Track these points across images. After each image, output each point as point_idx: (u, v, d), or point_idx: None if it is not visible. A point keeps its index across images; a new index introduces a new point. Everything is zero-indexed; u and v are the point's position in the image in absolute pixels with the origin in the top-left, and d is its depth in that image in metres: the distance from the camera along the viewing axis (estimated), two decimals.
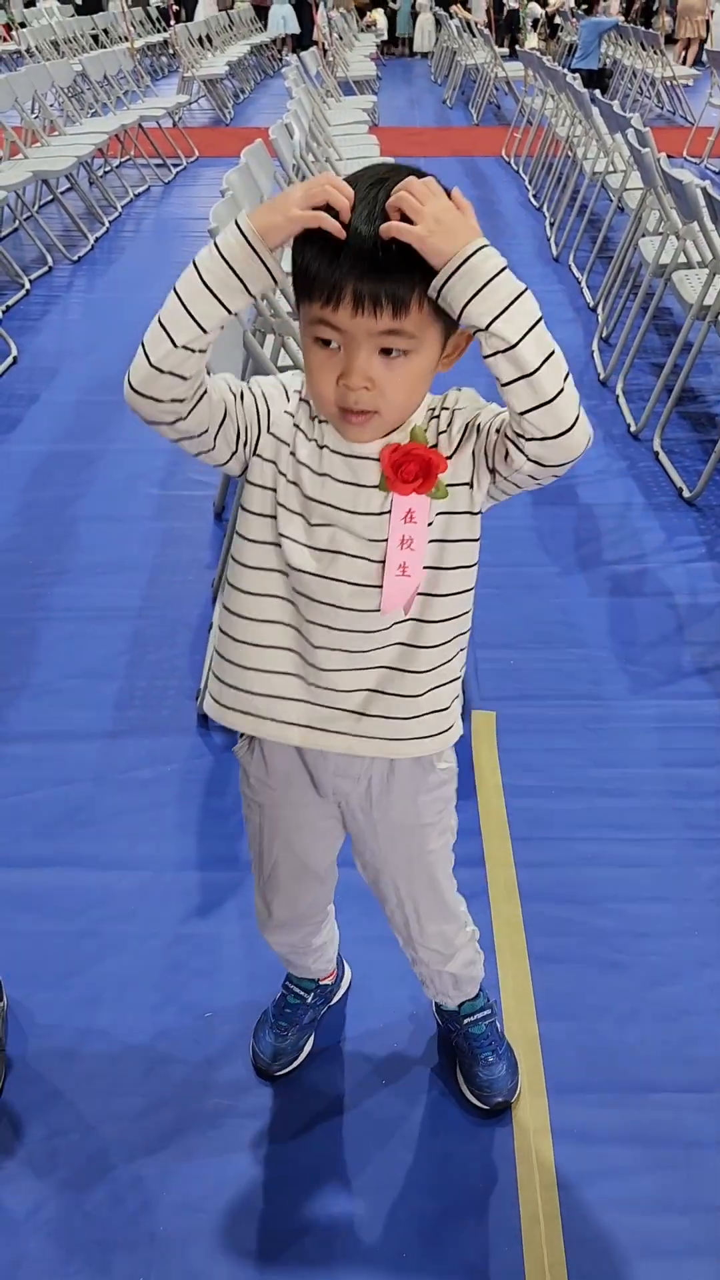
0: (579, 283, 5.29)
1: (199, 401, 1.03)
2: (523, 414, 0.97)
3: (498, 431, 1.04)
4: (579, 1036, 1.64)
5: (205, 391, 1.04)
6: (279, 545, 1.11)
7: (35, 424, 3.81)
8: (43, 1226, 1.40)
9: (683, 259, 3.67)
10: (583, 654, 2.54)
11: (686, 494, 3.24)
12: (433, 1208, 1.42)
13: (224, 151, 8.56)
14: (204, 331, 0.99)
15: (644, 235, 4.20)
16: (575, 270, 5.47)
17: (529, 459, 1.00)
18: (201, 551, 2.94)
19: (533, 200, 7.10)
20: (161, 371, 1.00)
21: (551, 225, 6.24)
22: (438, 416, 1.08)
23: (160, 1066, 1.59)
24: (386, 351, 0.98)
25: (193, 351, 0.99)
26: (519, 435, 0.99)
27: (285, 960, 1.54)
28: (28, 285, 5.24)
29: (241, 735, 1.27)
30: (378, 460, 1.06)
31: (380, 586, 1.09)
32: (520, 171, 8.00)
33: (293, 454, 1.09)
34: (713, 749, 2.24)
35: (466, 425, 1.07)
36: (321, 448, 1.08)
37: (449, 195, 0.97)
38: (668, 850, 1.99)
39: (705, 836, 2.01)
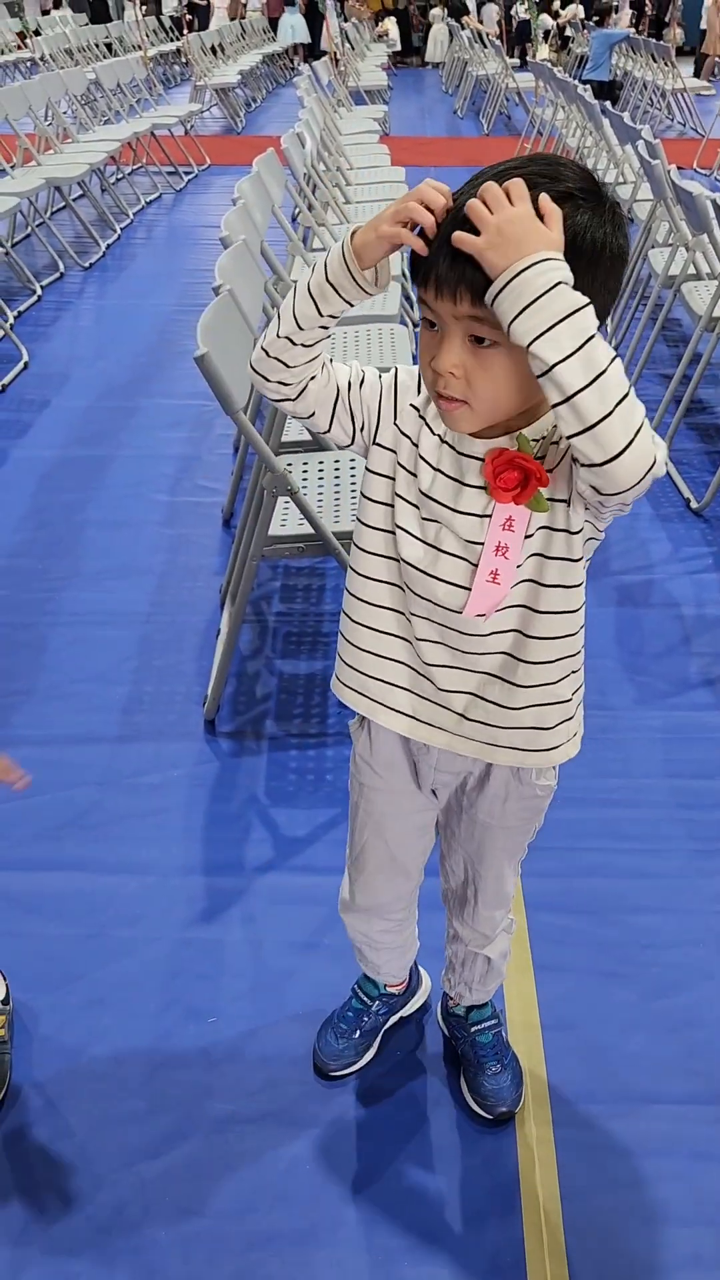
0: None
1: (304, 388, 1.09)
2: (568, 437, 0.92)
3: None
4: (583, 1046, 1.64)
5: (313, 379, 1.09)
6: (394, 534, 1.13)
7: (45, 429, 3.83)
8: (45, 1230, 1.40)
9: (692, 270, 3.68)
10: (589, 663, 2.52)
11: (694, 505, 3.25)
12: (436, 1217, 1.42)
13: (235, 160, 8.61)
14: (300, 328, 1.04)
15: (653, 246, 4.21)
16: None
17: (585, 484, 0.97)
18: (210, 558, 2.95)
19: None
20: (268, 355, 1.07)
21: None
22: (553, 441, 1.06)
23: (164, 1070, 1.59)
24: (479, 341, 0.97)
25: (293, 344, 1.05)
26: (574, 460, 0.97)
27: (358, 952, 1.55)
28: (39, 291, 5.27)
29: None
30: (482, 459, 1.06)
31: (468, 588, 1.09)
32: None
33: (415, 445, 1.10)
34: (718, 761, 2.24)
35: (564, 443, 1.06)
36: (442, 443, 1.09)
37: (535, 201, 0.92)
38: (672, 861, 1.99)
39: (710, 848, 2.01)
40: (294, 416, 1.15)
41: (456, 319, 0.97)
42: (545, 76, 7.95)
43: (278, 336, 1.06)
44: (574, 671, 1.17)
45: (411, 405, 1.11)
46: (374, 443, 1.13)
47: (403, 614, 1.16)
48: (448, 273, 0.95)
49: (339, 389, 1.11)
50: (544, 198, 0.92)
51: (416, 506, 1.11)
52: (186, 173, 8.21)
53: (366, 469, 1.15)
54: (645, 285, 4.38)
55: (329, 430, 1.14)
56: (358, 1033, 1.60)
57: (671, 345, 4.53)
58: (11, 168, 5.88)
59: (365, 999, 1.60)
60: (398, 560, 1.13)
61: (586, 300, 0.90)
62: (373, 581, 1.16)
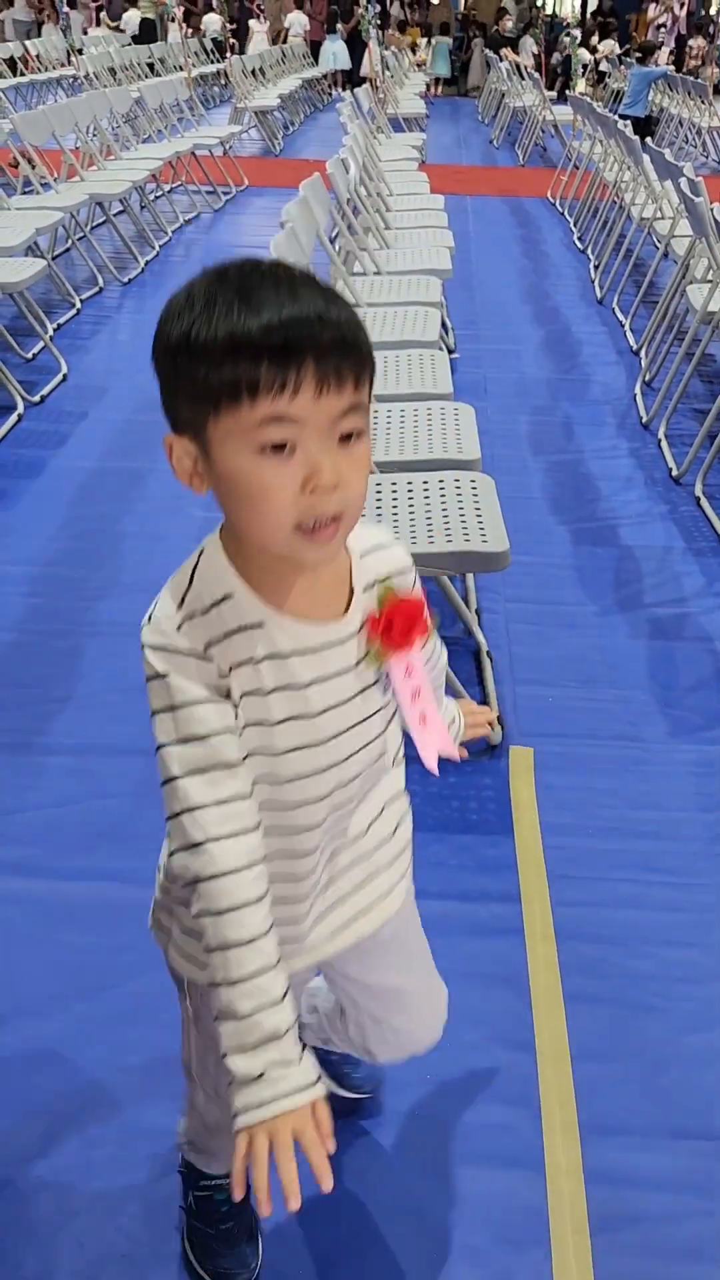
0: (622, 326, 5.34)
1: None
2: None
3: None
4: (613, 1078, 1.64)
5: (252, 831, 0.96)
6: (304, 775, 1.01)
7: (83, 440, 3.87)
8: (74, 1237, 1.40)
9: None
10: (621, 695, 2.55)
11: None
12: (464, 1245, 1.42)
13: (273, 181, 8.71)
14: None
15: (692, 282, 4.23)
16: (619, 313, 5.52)
17: None
18: None
19: (577, 243, 7.17)
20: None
21: (596, 268, 6.30)
22: (401, 574, 1.02)
23: None
24: (344, 438, 0.87)
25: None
26: None
27: (204, 1155, 1.37)
28: (78, 304, 5.33)
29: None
30: (344, 640, 0.97)
31: (377, 738, 1.04)
32: (565, 214, 8.08)
33: (268, 691, 0.95)
34: None
35: None
36: (278, 657, 0.94)
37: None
38: (705, 896, 1.99)
39: None
40: None
41: (331, 419, 0.85)
42: (584, 110, 8.02)
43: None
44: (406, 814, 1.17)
45: (225, 671, 0.93)
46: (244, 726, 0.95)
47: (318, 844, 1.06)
48: (328, 365, 0.83)
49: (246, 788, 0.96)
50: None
51: (297, 747, 0.98)
52: (225, 193, 8.30)
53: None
54: (681, 320, 4.40)
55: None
56: (243, 1217, 1.37)
57: (707, 381, 4.55)
58: (56, 182, 5.97)
59: (220, 1180, 1.35)
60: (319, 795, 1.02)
61: None
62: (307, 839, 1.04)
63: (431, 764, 1.05)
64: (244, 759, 0.96)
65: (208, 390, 0.85)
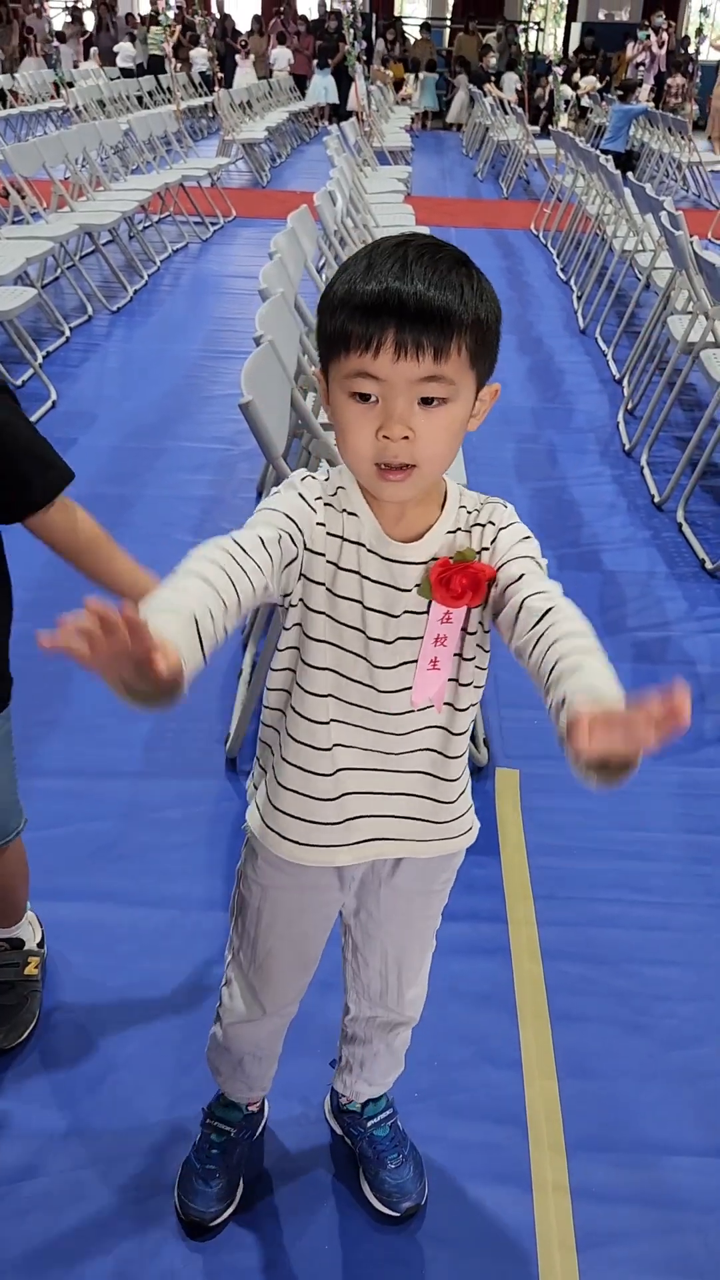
0: (605, 355, 5.42)
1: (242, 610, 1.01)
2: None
3: (518, 614, 1.03)
4: (600, 1096, 1.66)
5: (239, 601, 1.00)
6: (333, 657, 1.12)
7: (72, 467, 3.88)
8: (64, 1259, 1.40)
9: (711, 338, 3.77)
10: None
11: (709, 565, 3.30)
12: (452, 1261, 1.43)
13: (260, 212, 8.81)
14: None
15: (672, 313, 4.31)
16: (601, 343, 5.60)
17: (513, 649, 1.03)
18: None
19: (560, 274, 7.28)
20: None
21: (579, 298, 6.39)
22: (481, 526, 1.09)
23: (184, 1102, 1.60)
24: (426, 402, 1.00)
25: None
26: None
27: (233, 1070, 1.43)
28: (68, 333, 5.38)
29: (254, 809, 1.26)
30: (417, 564, 1.08)
31: (409, 689, 1.11)
32: (548, 245, 8.21)
33: (334, 563, 1.09)
34: None
35: (512, 572, 1.06)
36: (357, 545, 1.08)
37: (471, 272, 1.01)
38: (688, 915, 2.01)
39: None
40: None
41: (411, 382, 0.98)
42: (566, 145, 8.17)
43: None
44: (463, 764, 1.22)
45: (318, 524, 1.08)
46: (301, 577, 1.09)
47: (356, 746, 1.16)
48: (409, 334, 0.97)
49: (277, 583, 1.05)
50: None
51: (347, 625, 1.10)
52: (213, 223, 8.39)
53: (287, 606, 1.11)
54: (663, 350, 4.48)
55: (276, 595, 1.09)
56: (228, 1169, 1.46)
57: (687, 410, 4.62)
58: (46, 212, 6.03)
59: (226, 1127, 1.47)
60: (339, 677, 1.12)
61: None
62: (324, 725, 1.14)
63: (416, 701, 1.13)
64: (289, 602, 1.11)
65: (325, 337, 1.02)
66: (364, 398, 1.00)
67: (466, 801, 1.24)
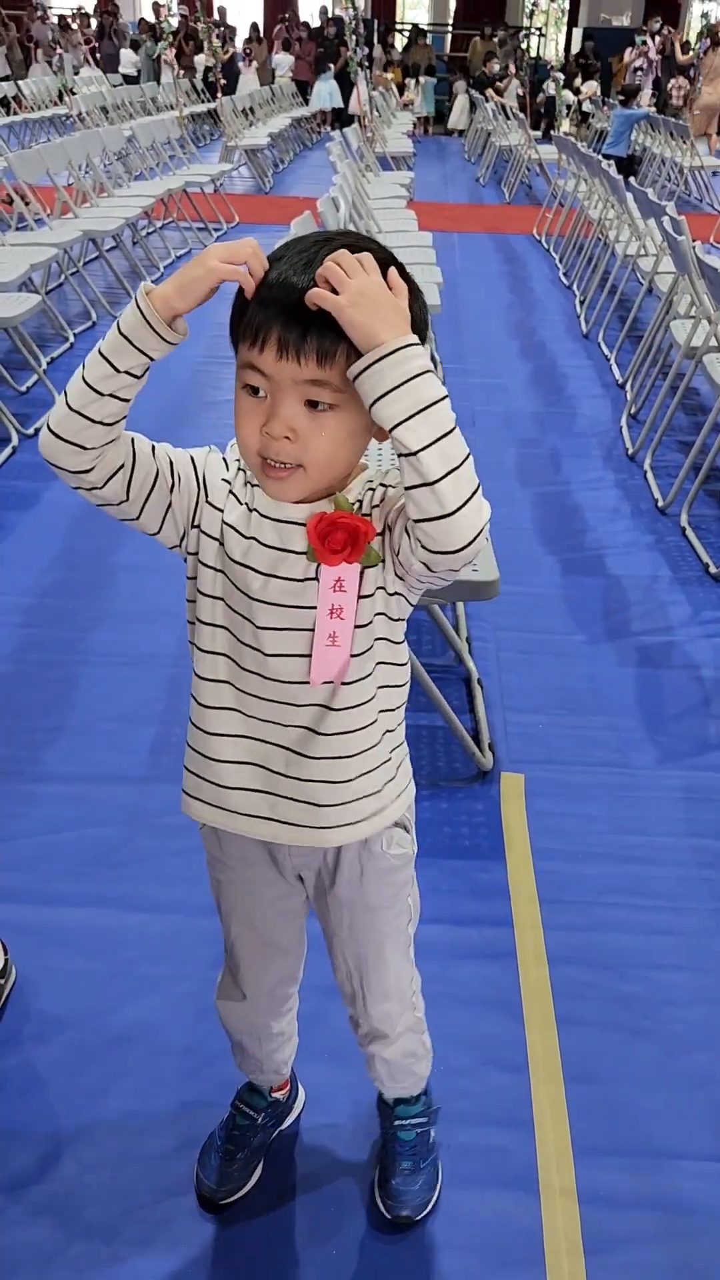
0: (608, 360, 5.42)
1: (111, 474, 1.04)
2: (418, 521, 0.96)
3: (400, 516, 1.03)
4: (605, 1101, 1.65)
5: (120, 465, 1.05)
6: (223, 621, 1.11)
7: None
8: (71, 1264, 1.41)
9: (714, 342, 3.77)
10: (610, 722, 2.58)
11: (713, 570, 3.30)
12: (459, 1267, 1.43)
13: (263, 218, 8.82)
14: (96, 394, 1.01)
15: (675, 318, 4.32)
16: (604, 348, 5.61)
17: (419, 549, 0.99)
18: None
19: (563, 278, 7.29)
20: (59, 436, 1.02)
21: (581, 303, 6.40)
22: (374, 489, 1.08)
23: (189, 1108, 1.61)
24: (313, 405, 0.98)
25: (87, 419, 1.01)
26: (410, 522, 0.99)
27: (239, 1051, 1.46)
28: (72, 339, 5.39)
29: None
30: (303, 525, 1.05)
31: (307, 656, 1.07)
32: (551, 250, 8.21)
33: (224, 520, 1.09)
34: None
35: (395, 505, 1.05)
36: (251, 510, 1.07)
37: (385, 275, 0.97)
38: (693, 920, 2.01)
39: None
40: (101, 504, 1.08)
41: (295, 382, 0.97)
42: (568, 150, 8.18)
43: (70, 410, 1.01)
44: (390, 730, 1.17)
45: (224, 479, 1.09)
46: (193, 525, 1.10)
47: (241, 711, 1.13)
48: (290, 335, 0.96)
49: (157, 469, 1.07)
50: (394, 273, 0.97)
51: (237, 586, 1.08)
52: (216, 229, 8.41)
53: (194, 560, 1.11)
54: (666, 355, 4.48)
55: (139, 518, 1.08)
56: (245, 1151, 1.48)
57: (690, 414, 4.62)
58: (50, 218, 6.05)
59: (250, 1111, 1.50)
60: (232, 643, 1.11)
61: (445, 393, 0.96)
62: (213, 683, 1.13)
63: (315, 679, 1.08)
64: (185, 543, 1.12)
65: (231, 319, 1.02)
66: (253, 390, 1.00)
67: (355, 791, 1.15)
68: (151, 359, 1.02)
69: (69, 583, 3.13)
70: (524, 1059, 1.71)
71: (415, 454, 0.94)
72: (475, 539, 0.97)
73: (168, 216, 8.16)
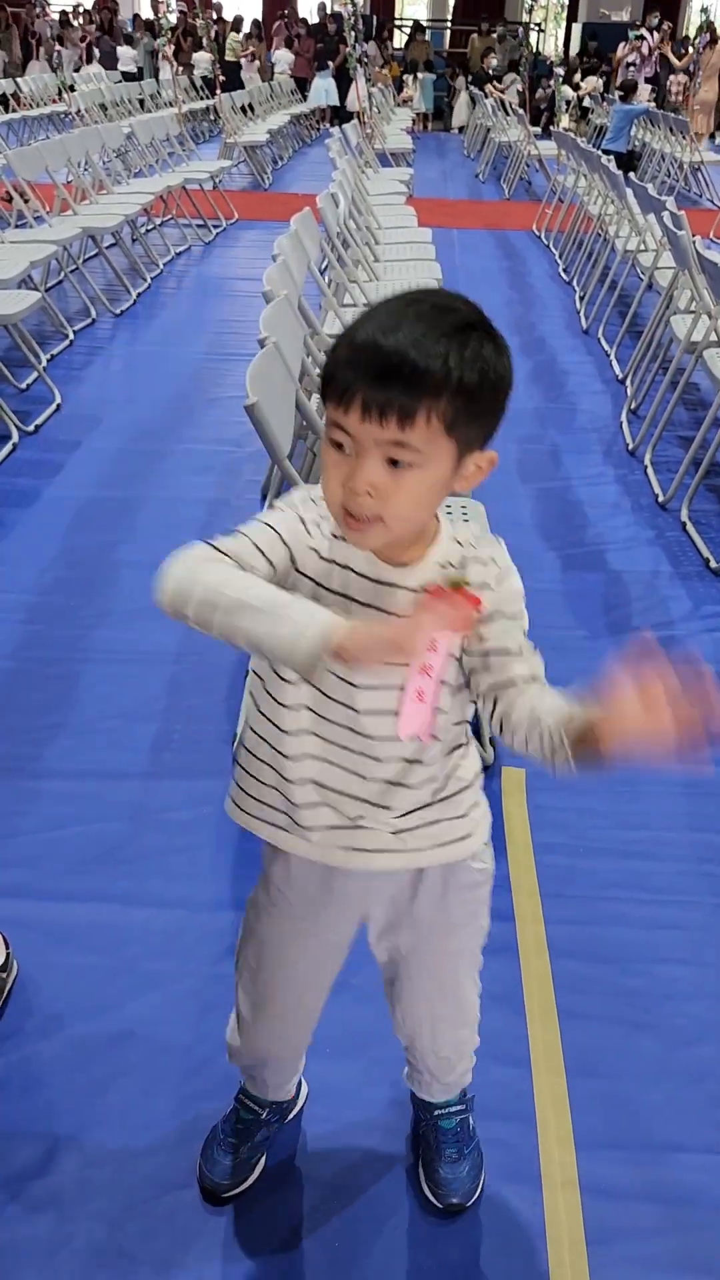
0: (608, 355, 5.42)
1: None
2: (527, 750, 1.06)
3: (499, 687, 1.09)
4: (606, 1094, 1.66)
5: None
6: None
7: (78, 470, 3.91)
8: (76, 1256, 1.41)
9: (714, 338, 3.77)
10: None
11: (713, 565, 3.30)
12: (463, 1259, 1.43)
13: (262, 215, 8.82)
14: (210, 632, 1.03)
15: (675, 313, 4.32)
16: (604, 343, 5.61)
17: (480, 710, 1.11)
18: None
19: (563, 274, 7.28)
20: (195, 623, 1.05)
21: (581, 299, 6.40)
22: (483, 564, 1.10)
23: (193, 1103, 1.61)
24: (394, 462, 0.99)
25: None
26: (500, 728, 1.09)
27: (250, 1081, 1.48)
28: (71, 336, 5.39)
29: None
30: (407, 590, 1.08)
31: (396, 713, 1.08)
32: (550, 246, 8.21)
33: (314, 583, 1.09)
34: None
35: (496, 636, 1.09)
36: (344, 568, 1.09)
37: (471, 337, 1.00)
38: (695, 914, 2.01)
39: None
40: None
41: (378, 443, 0.98)
42: (568, 145, 8.17)
43: (194, 623, 1.03)
44: (465, 756, 1.21)
45: (310, 548, 1.09)
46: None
47: (326, 760, 1.16)
48: (374, 397, 0.97)
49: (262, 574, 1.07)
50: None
51: None
52: (215, 226, 8.41)
53: None
54: (666, 350, 4.48)
55: None
56: (248, 1145, 1.49)
57: (691, 409, 4.62)
58: (49, 216, 6.05)
59: (255, 1108, 1.50)
60: (316, 697, 1.13)
61: None
62: (295, 735, 1.15)
63: (403, 732, 1.09)
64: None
65: (322, 374, 1.04)
66: (338, 446, 1.01)
67: (434, 815, 1.20)
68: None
69: (70, 580, 3.13)
70: (526, 1052, 1.71)
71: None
72: None
73: (167, 213, 8.16)
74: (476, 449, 1.05)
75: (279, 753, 1.18)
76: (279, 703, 1.16)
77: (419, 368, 0.96)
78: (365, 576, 1.09)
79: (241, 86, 13.57)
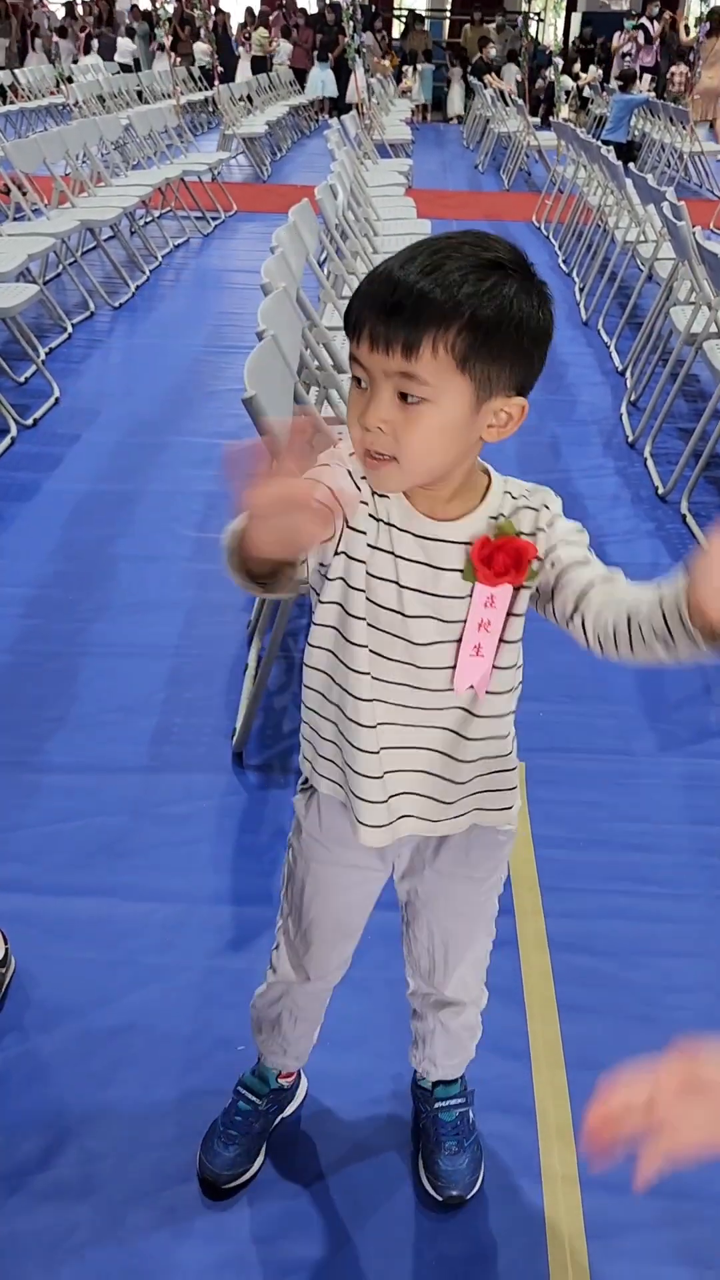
0: (608, 347, 5.41)
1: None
2: (616, 647, 1.06)
3: (577, 596, 1.07)
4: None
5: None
6: (367, 634, 1.12)
7: (76, 463, 3.90)
8: (77, 1250, 1.42)
9: (714, 329, 3.76)
10: (611, 710, 2.58)
11: None
12: (463, 1252, 1.43)
13: (261, 207, 8.79)
14: (266, 589, 1.03)
15: (675, 304, 4.30)
16: (604, 335, 5.59)
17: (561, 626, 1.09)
18: (237, 594, 3.00)
19: (562, 265, 7.26)
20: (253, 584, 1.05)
21: (581, 290, 6.38)
22: (535, 510, 1.10)
23: (193, 1098, 1.61)
24: (405, 397, 0.98)
25: (268, 589, 1.04)
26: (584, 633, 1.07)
27: (271, 1028, 1.46)
28: (70, 329, 5.38)
29: (300, 787, 1.30)
30: (456, 544, 1.08)
31: (453, 667, 1.11)
32: (550, 237, 8.19)
33: (368, 543, 1.09)
34: None
35: (562, 557, 1.09)
36: (389, 525, 1.09)
37: (523, 278, 0.99)
38: (695, 907, 2.01)
39: None
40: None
41: (387, 375, 0.98)
42: (567, 136, 8.14)
43: (251, 584, 1.03)
44: (511, 734, 1.23)
45: (360, 502, 1.09)
46: (336, 552, 1.11)
47: (391, 723, 1.16)
48: (379, 327, 0.97)
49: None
50: None
51: (383, 606, 1.10)
52: (214, 218, 8.38)
53: (324, 578, 1.12)
54: (666, 341, 4.47)
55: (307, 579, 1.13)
56: (247, 1137, 1.50)
57: (690, 401, 4.61)
58: (47, 208, 6.03)
59: (254, 1098, 1.51)
60: (375, 660, 1.13)
61: None
62: (367, 702, 1.14)
63: (459, 685, 1.12)
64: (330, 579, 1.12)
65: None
66: (358, 381, 1.01)
67: (485, 784, 1.21)
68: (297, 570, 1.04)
69: (69, 574, 3.13)
70: (525, 1046, 1.71)
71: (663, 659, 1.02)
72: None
73: (165, 206, 8.13)
74: (502, 394, 1.01)
75: (357, 724, 1.15)
76: (350, 669, 1.14)
77: (425, 296, 0.95)
78: (409, 532, 1.08)
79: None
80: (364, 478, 1.08)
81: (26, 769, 2.32)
